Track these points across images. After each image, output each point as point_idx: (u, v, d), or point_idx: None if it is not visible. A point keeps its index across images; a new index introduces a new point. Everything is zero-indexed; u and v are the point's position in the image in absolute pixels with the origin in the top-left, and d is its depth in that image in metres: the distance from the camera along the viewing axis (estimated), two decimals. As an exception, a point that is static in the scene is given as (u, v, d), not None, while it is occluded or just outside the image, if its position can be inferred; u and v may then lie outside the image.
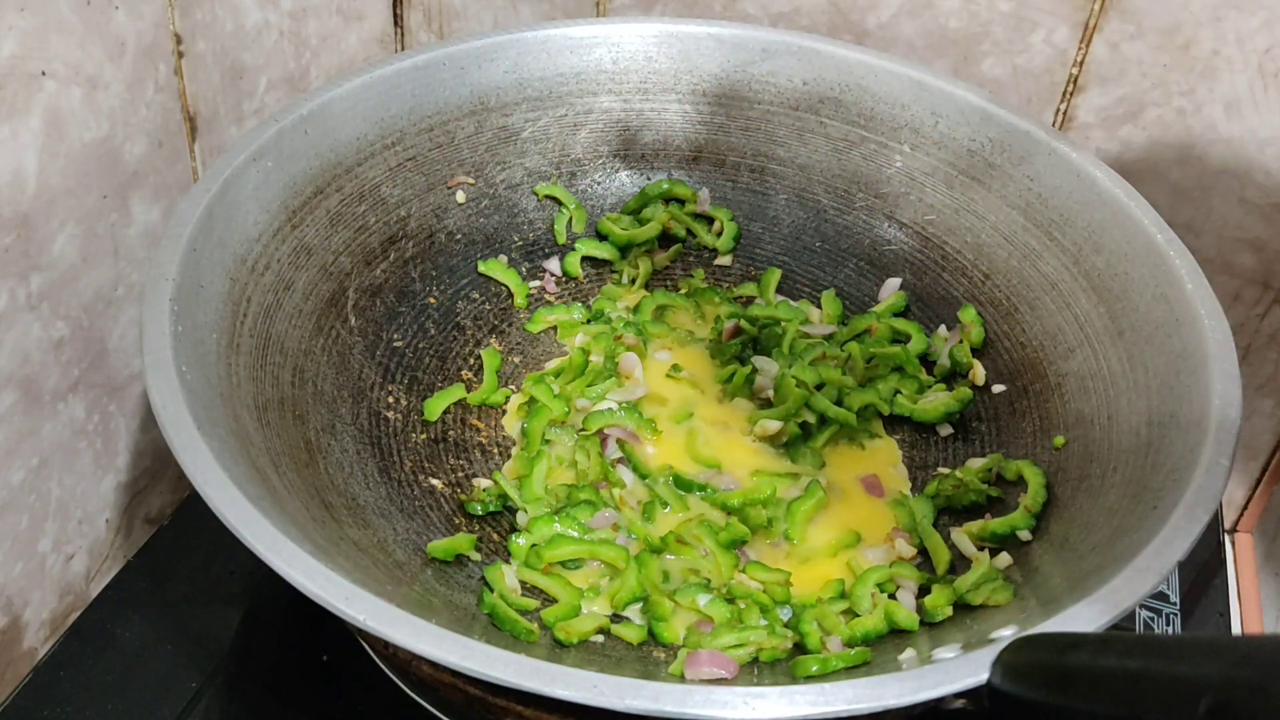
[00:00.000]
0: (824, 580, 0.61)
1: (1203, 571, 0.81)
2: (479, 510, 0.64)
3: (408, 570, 0.58)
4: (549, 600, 0.60)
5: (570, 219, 0.80)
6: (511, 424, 0.70)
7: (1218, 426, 0.55)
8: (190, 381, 0.53)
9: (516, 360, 0.74)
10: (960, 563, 0.62)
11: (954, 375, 0.72)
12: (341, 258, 0.70)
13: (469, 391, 0.70)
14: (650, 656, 0.57)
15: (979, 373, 0.71)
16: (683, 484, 0.65)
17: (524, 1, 0.88)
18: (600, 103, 0.80)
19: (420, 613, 0.46)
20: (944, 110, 0.76)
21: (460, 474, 0.67)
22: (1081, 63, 0.78)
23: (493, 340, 0.75)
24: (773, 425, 0.68)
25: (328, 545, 0.53)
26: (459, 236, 0.77)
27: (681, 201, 0.81)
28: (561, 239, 0.80)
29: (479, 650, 0.44)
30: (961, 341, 0.72)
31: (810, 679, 0.54)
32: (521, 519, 0.63)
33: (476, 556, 0.62)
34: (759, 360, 0.71)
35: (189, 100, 0.70)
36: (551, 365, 0.73)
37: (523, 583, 0.60)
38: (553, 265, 0.79)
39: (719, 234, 0.80)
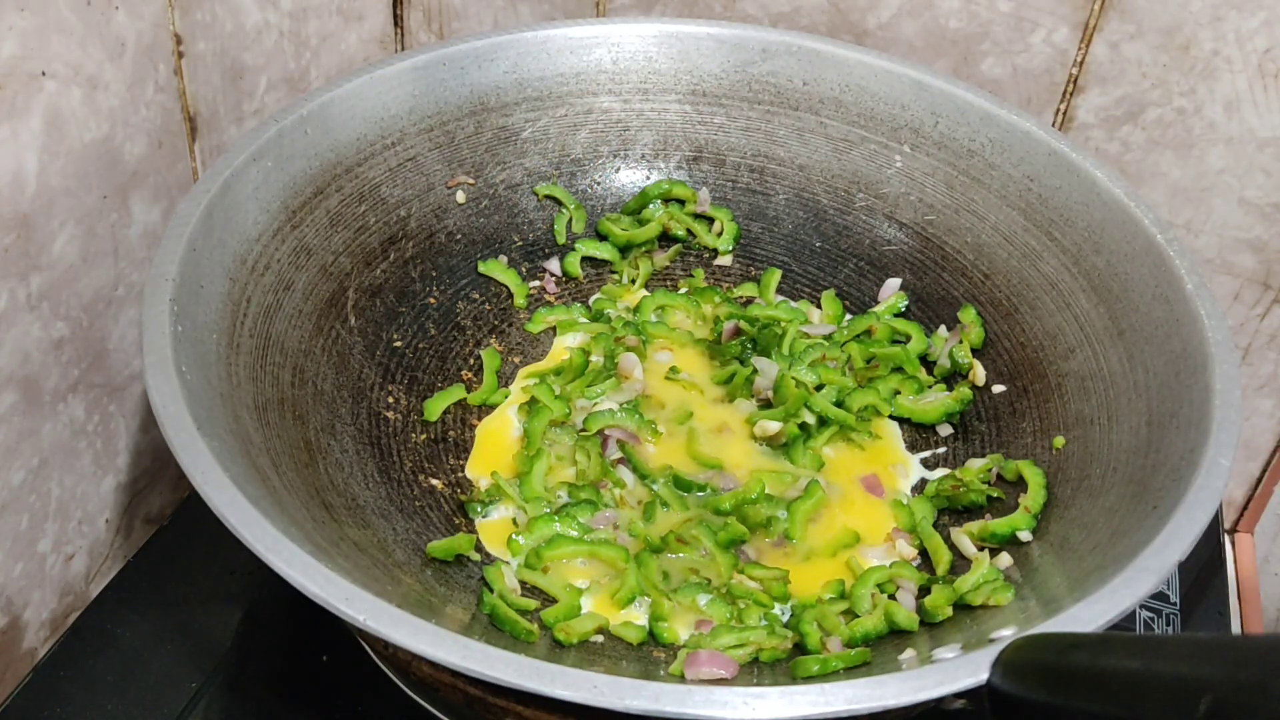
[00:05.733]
0: (824, 580, 0.61)
1: (1203, 571, 0.81)
2: (479, 511, 0.64)
3: (408, 570, 0.58)
4: (549, 600, 0.60)
5: (570, 219, 0.80)
6: (502, 419, 0.70)
7: (1218, 426, 0.55)
8: (190, 381, 0.53)
9: (516, 360, 0.74)
10: (960, 563, 0.62)
11: (954, 375, 0.72)
12: (341, 258, 0.70)
13: (469, 391, 0.70)
14: (650, 656, 0.57)
15: (979, 373, 0.71)
16: (682, 484, 0.65)
17: (524, 1, 0.88)
18: (600, 103, 0.80)
19: (420, 613, 0.46)
20: (944, 110, 0.76)
21: (460, 474, 0.67)
22: (1081, 63, 0.78)
23: (493, 340, 0.75)
24: (772, 426, 0.68)
25: (328, 545, 0.53)
26: (459, 236, 0.77)
27: (681, 201, 0.81)
28: (561, 239, 0.80)
29: (479, 650, 0.44)
30: (961, 342, 0.72)
31: (810, 679, 0.54)
32: (495, 517, 0.64)
33: (476, 556, 0.62)
34: (759, 361, 0.71)
35: (189, 100, 0.70)
36: (545, 365, 0.73)
37: (523, 583, 0.60)
38: (553, 265, 0.79)
39: (719, 234, 0.80)
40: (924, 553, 0.63)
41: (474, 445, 0.68)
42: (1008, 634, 0.49)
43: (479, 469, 0.67)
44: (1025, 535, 0.61)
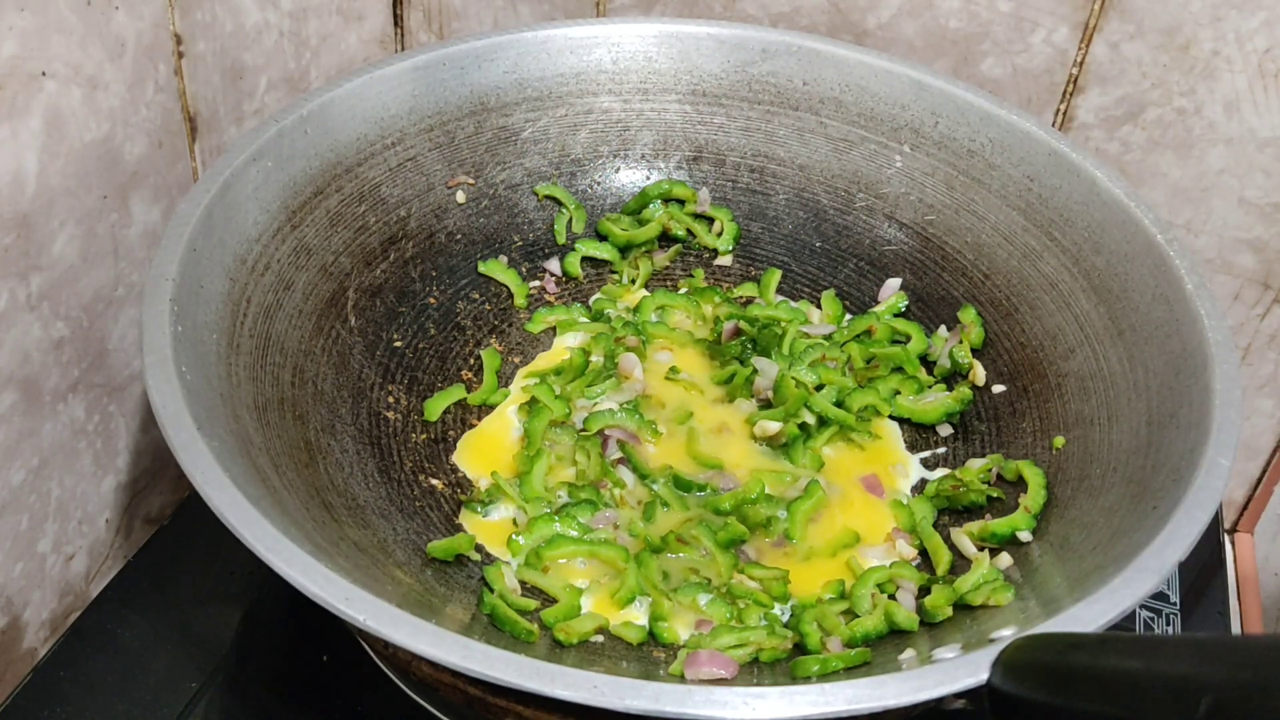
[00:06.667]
0: (824, 580, 0.61)
1: (1203, 571, 0.81)
2: (479, 511, 0.64)
3: (408, 570, 0.58)
4: (549, 600, 0.60)
5: (570, 219, 0.80)
6: (502, 418, 0.70)
7: (1218, 426, 0.55)
8: (190, 381, 0.53)
9: (516, 360, 0.74)
10: (960, 563, 0.62)
11: (954, 375, 0.72)
12: (341, 258, 0.70)
13: (469, 391, 0.70)
14: (650, 656, 0.57)
15: (979, 373, 0.71)
16: (682, 484, 0.65)
17: (524, 1, 0.88)
18: (600, 103, 0.80)
19: (420, 613, 0.46)
20: (944, 110, 0.76)
21: (460, 474, 0.67)
22: (1081, 63, 0.78)
23: (493, 340, 0.75)
24: (772, 426, 0.68)
25: (328, 545, 0.53)
26: (459, 236, 0.77)
27: (681, 201, 0.81)
28: (561, 239, 0.80)
29: (479, 650, 0.44)
30: (961, 342, 0.72)
31: (810, 679, 0.54)
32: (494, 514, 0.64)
33: (476, 556, 0.62)
34: (759, 361, 0.71)
35: (189, 100, 0.70)
36: (542, 363, 0.73)
37: (523, 583, 0.60)
38: (553, 265, 0.79)
39: (719, 234, 0.80)
40: (924, 553, 0.63)
41: (465, 445, 0.68)
42: (1008, 634, 0.49)
43: (471, 465, 0.67)
44: (1025, 535, 0.61)
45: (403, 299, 0.73)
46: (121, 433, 0.71)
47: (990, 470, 0.66)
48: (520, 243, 0.79)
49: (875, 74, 0.77)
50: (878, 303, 0.77)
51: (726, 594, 0.60)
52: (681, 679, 0.54)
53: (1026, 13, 0.77)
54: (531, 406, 0.69)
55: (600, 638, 0.58)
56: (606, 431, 0.67)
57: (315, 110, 0.70)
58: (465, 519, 0.64)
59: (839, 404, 0.69)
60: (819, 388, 0.70)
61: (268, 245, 0.66)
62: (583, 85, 0.80)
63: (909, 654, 0.55)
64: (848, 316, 0.77)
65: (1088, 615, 0.48)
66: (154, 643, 0.66)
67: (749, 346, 0.73)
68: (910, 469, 0.69)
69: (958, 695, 0.45)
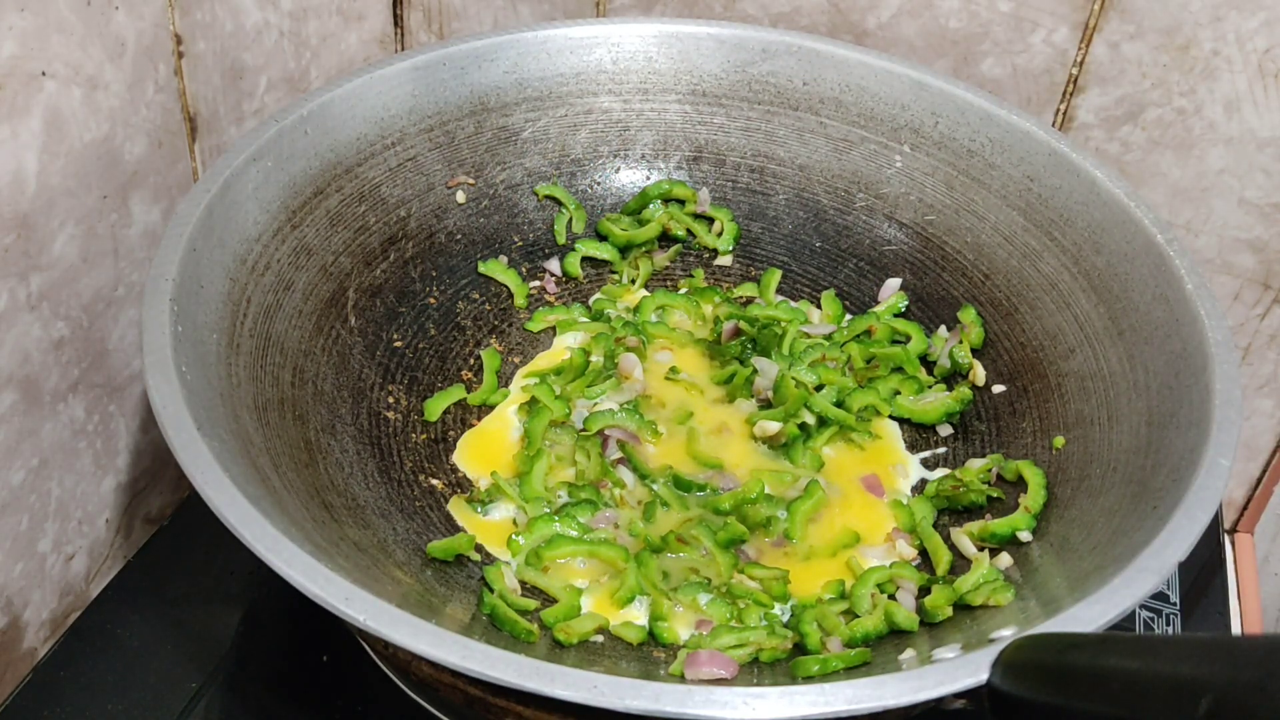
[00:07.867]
0: (824, 580, 0.61)
1: (1203, 571, 0.81)
2: (479, 511, 0.64)
3: (408, 570, 0.58)
4: (549, 600, 0.60)
5: (570, 219, 0.80)
6: (502, 418, 0.70)
7: (1218, 426, 0.55)
8: (190, 381, 0.53)
9: (516, 360, 0.74)
10: (960, 563, 0.62)
11: (954, 376, 0.72)
12: (341, 258, 0.70)
13: (469, 392, 0.70)
14: (650, 656, 0.57)
15: (979, 373, 0.71)
16: (682, 484, 0.65)
17: (524, 1, 0.88)
18: (600, 103, 0.80)
19: (420, 613, 0.46)
20: (944, 110, 0.76)
21: (460, 474, 0.67)
22: (1081, 63, 0.78)
23: (493, 340, 0.75)
24: (772, 426, 0.68)
25: (328, 545, 0.53)
26: (459, 236, 0.77)
27: (681, 201, 0.81)
28: (561, 239, 0.80)
29: (479, 650, 0.44)
30: (961, 342, 0.72)
31: (810, 679, 0.54)
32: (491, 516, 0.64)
33: (476, 556, 0.62)
34: (759, 361, 0.71)
35: (189, 100, 0.70)
36: (542, 363, 0.73)
37: (523, 583, 0.60)
38: (553, 265, 0.79)
39: (719, 234, 0.80)
40: (924, 553, 0.63)
41: (465, 445, 0.68)
42: (1008, 634, 0.50)
43: (471, 465, 0.67)
44: (1025, 535, 0.61)
45: (403, 299, 0.73)
46: (121, 433, 0.71)
47: (990, 470, 0.66)
48: (520, 243, 0.79)
49: (875, 74, 0.77)
50: (878, 303, 0.77)
51: (726, 594, 0.60)
52: (681, 679, 0.54)
53: (1026, 13, 0.77)
54: (531, 406, 0.69)
55: (600, 638, 0.58)
56: (606, 431, 0.67)
57: (315, 110, 0.70)
58: (457, 513, 0.63)
59: (839, 404, 0.69)
60: (819, 388, 0.70)
61: (268, 245, 0.66)
62: (583, 85, 0.80)
63: (909, 654, 0.55)
64: (848, 316, 0.77)
65: (1088, 615, 0.48)
66: (154, 643, 0.66)
67: (749, 346, 0.73)
68: (910, 469, 0.69)
69: (958, 695, 0.45)
